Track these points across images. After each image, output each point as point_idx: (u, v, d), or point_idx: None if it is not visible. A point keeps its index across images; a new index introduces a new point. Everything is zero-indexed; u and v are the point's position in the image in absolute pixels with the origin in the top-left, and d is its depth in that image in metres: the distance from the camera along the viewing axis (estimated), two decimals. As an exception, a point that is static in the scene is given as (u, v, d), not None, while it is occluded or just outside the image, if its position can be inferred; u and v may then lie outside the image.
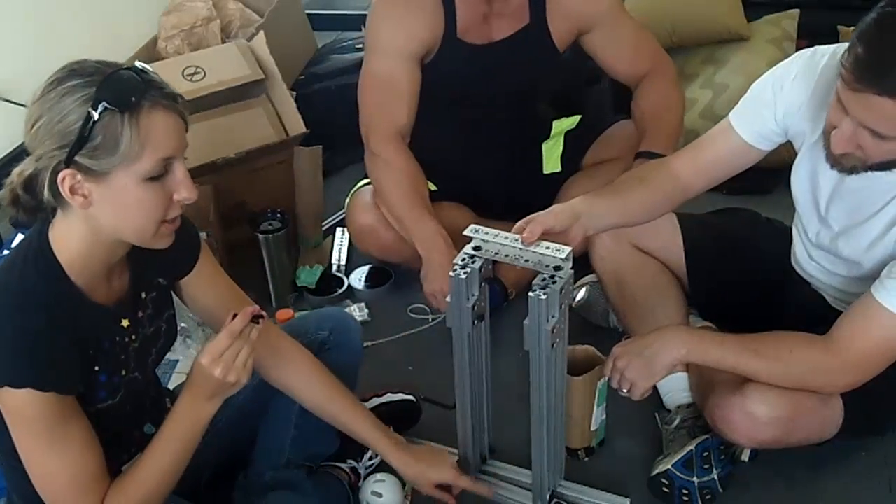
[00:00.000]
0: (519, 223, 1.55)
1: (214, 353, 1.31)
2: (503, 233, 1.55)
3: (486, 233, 1.55)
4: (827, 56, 1.60)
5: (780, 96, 1.67)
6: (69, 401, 1.28)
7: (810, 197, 1.72)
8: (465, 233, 1.55)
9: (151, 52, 3.00)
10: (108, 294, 1.37)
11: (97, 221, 1.26)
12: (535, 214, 1.58)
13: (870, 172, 1.54)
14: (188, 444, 1.38)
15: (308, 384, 1.62)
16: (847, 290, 1.72)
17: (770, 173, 2.71)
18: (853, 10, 1.44)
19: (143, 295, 1.43)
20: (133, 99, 1.20)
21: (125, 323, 1.39)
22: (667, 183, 1.79)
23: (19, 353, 1.23)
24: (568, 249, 1.49)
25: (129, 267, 1.40)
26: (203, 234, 2.20)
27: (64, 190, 1.22)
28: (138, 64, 1.26)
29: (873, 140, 1.44)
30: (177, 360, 2.12)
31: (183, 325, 2.23)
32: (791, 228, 1.87)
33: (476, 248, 1.55)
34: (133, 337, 1.41)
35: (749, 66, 2.74)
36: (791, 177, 1.76)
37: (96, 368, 1.34)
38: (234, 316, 1.33)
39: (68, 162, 1.20)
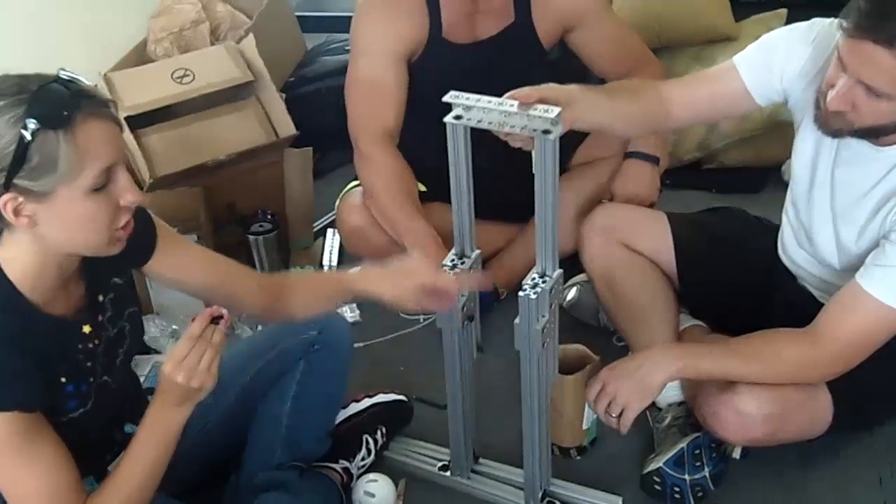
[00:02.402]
0: (512, 91, 1.45)
1: (176, 358, 1.29)
2: (486, 97, 1.43)
3: (468, 98, 1.43)
4: None
5: (792, 58, 1.65)
6: (35, 417, 1.26)
7: (809, 174, 1.71)
8: (444, 99, 1.45)
9: (141, 54, 2.99)
10: (67, 304, 1.35)
11: (46, 239, 1.24)
12: (529, 87, 1.48)
13: (859, 146, 1.55)
14: (162, 452, 1.36)
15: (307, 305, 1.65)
16: (832, 282, 1.72)
17: (759, 173, 2.75)
18: (841, 9, 1.45)
19: (101, 298, 1.41)
20: (65, 114, 1.15)
21: (87, 329, 1.37)
22: (655, 105, 1.76)
23: None
24: (557, 109, 1.37)
25: (84, 274, 1.38)
26: (193, 236, 2.23)
27: (7, 214, 1.19)
28: (63, 73, 1.21)
29: (867, 98, 1.44)
30: (166, 362, 2.11)
31: (175, 326, 2.23)
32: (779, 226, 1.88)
33: (457, 118, 1.44)
34: (97, 342, 1.39)
35: (737, 65, 2.75)
36: (792, 155, 1.75)
37: (63, 380, 1.32)
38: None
39: (7, 186, 1.16)
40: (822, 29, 1.62)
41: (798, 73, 1.65)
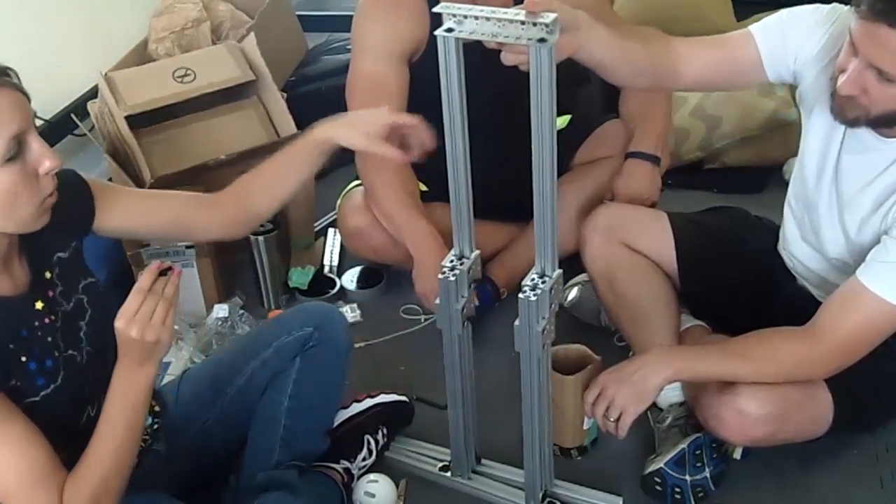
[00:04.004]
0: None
1: (128, 314, 1.29)
2: (478, 6, 1.34)
3: (459, 8, 1.34)
4: None
5: (810, 40, 1.61)
6: None
7: (818, 162, 1.68)
8: (435, 10, 1.37)
9: (142, 54, 2.99)
10: (14, 284, 1.34)
11: None
12: None
13: (864, 134, 1.55)
14: (133, 417, 1.35)
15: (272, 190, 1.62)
16: (832, 280, 1.71)
17: (761, 172, 2.75)
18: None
19: (48, 275, 1.39)
20: None
21: (39, 305, 1.36)
22: (664, 56, 1.67)
23: None
24: (553, 15, 1.28)
25: (25, 252, 1.37)
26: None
27: None
28: None
29: (879, 83, 1.43)
30: (169, 363, 2.11)
31: (175, 327, 2.22)
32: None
33: (448, 31, 1.35)
34: (52, 318, 1.37)
35: (739, 64, 2.75)
36: (802, 143, 1.73)
37: (23, 359, 1.31)
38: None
39: None
40: (842, 15, 1.59)
41: (813, 57, 1.62)
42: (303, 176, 1.63)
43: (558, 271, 1.49)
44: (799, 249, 1.82)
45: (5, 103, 1.21)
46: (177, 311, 1.34)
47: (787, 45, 1.64)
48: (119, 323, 1.29)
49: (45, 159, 1.25)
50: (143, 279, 1.30)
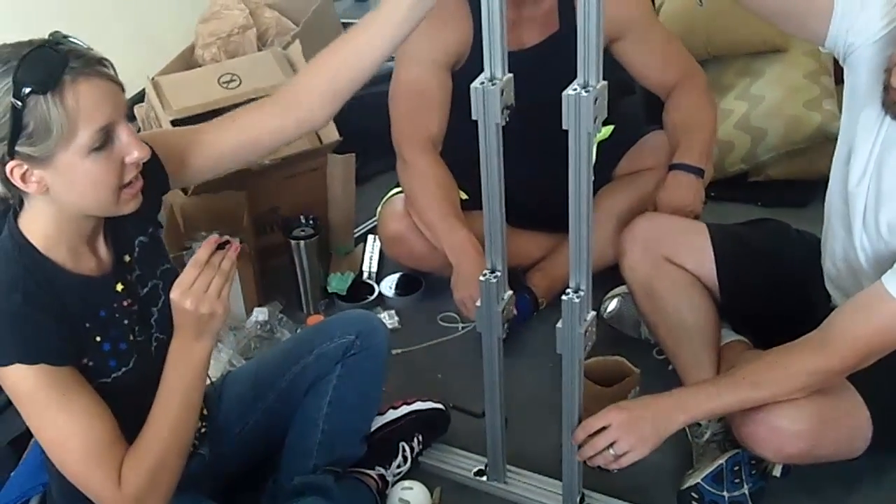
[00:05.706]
0: None
1: (183, 285, 1.29)
2: None
3: None
4: None
5: (880, 22, 1.53)
6: (66, 372, 1.27)
7: (863, 162, 1.64)
8: None
9: (188, 59, 3.03)
10: (98, 264, 1.36)
11: (59, 202, 1.26)
12: None
13: None
14: (189, 393, 1.35)
15: (339, 70, 1.56)
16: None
17: (806, 186, 2.71)
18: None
19: (127, 258, 1.41)
20: (52, 76, 1.16)
21: (120, 287, 1.37)
22: None
23: (2, 332, 1.24)
24: None
25: (109, 234, 1.39)
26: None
27: (16, 180, 1.22)
28: (56, 36, 1.22)
29: None
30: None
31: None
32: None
33: None
34: (131, 301, 1.39)
35: (785, 77, 2.72)
36: (844, 143, 1.69)
37: (97, 339, 1.33)
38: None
39: (11, 154, 1.19)
40: None
41: (873, 42, 1.56)
42: (401, 32, 1.53)
43: (603, 84, 1.36)
44: (834, 254, 1.78)
45: (95, 95, 1.21)
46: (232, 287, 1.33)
47: (861, 13, 1.57)
48: (174, 294, 1.30)
49: (133, 149, 1.25)
50: (201, 252, 1.30)
